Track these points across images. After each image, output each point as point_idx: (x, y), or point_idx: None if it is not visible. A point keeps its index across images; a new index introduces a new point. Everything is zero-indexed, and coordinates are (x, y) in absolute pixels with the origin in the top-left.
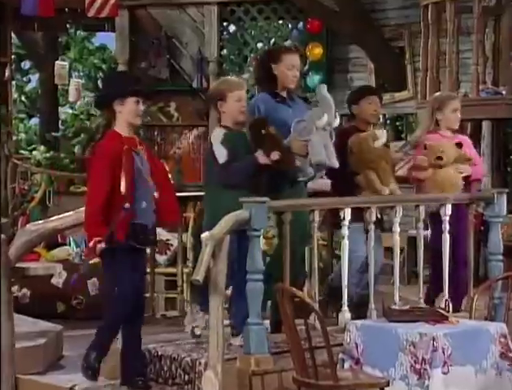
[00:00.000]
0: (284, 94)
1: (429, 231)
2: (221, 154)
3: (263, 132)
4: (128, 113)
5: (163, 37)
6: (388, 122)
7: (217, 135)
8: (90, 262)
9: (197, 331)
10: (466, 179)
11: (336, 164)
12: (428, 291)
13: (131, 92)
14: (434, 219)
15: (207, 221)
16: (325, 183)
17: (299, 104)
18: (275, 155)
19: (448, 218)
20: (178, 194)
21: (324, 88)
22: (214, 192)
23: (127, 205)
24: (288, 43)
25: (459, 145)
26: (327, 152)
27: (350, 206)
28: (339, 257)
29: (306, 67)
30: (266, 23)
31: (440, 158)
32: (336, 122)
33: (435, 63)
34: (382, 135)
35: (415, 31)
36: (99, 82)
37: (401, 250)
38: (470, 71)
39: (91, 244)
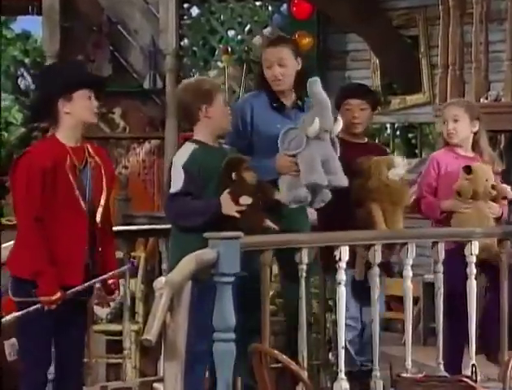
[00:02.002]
0: (289, 101)
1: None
2: (176, 181)
3: (234, 176)
4: (79, 111)
5: (105, 23)
6: (397, 133)
7: (183, 153)
8: (7, 317)
9: None
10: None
11: (345, 182)
12: (452, 353)
13: (79, 83)
14: (453, 259)
15: (172, 265)
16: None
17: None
18: (245, 199)
19: (475, 258)
20: (124, 228)
21: (316, 83)
22: (181, 228)
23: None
24: (267, 31)
25: (467, 169)
26: (328, 167)
27: (348, 244)
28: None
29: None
30: (239, 6)
31: (494, 187)
32: (338, 127)
33: (458, 58)
34: (400, 164)
35: (432, 16)
36: (23, 81)
37: (416, 301)
38: (503, 69)
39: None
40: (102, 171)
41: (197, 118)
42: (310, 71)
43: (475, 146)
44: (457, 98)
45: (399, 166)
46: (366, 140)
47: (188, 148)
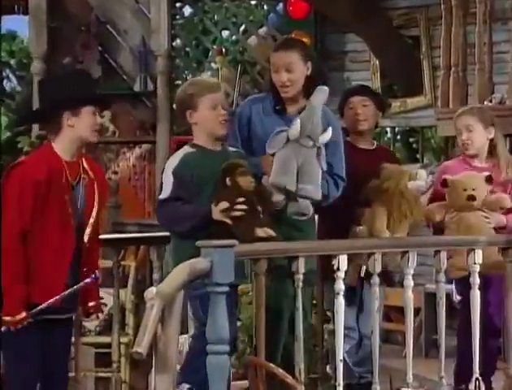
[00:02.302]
0: (296, 107)
1: (455, 293)
2: (166, 186)
3: (228, 182)
4: (83, 127)
5: (94, 23)
6: (398, 137)
7: (174, 158)
8: None
9: None
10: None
11: (317, 195)
12: (458, 368)
13: (90, 99)
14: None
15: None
16: None
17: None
18: (223, 204)
19: (478, 267)
20: (114, 236)
21: (320, 91)
22: (175, 234)
23: None
24: (262, 31)
25: (489, 179)
26: (303, 175)
27: (347, 252)
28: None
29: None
30: (233, 5)
31: (472, 197)
32: (325, 136)
33: (460, 59)
34: (422, 176)
35: (434, 16)
36: (8, 82)
37: (417, 312)
38: (507, 70)
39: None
40: (95, 187)
41: (188, 123)
42: (320, 76)
43: (493, 152)
44: (469, 106)
45: (421, 178)
46: (374, 145)
47: (181, 152)
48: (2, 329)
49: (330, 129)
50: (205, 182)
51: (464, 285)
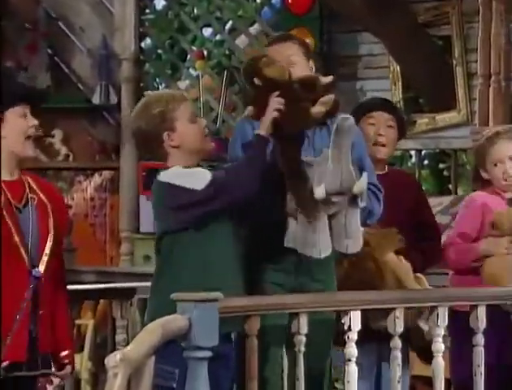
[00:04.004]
0: None
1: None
2: (197, 177)
3: (256, 81)
4: (11, 137)
5: (43, 19)
6: (425, 162)
7: (170, 174)
8: None
9: None
10: None
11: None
12: None
13: (15, 98)
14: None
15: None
16: None
17: (330, 131)
18: (274, 103)
19: None
20: (67, 287)
21: (346, 121)
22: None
23: None
24: (254, 29)
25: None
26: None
27: (361, 308)
28: None
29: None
30: None
31: None
32: (362, 185)
33: (503, 65)
34: None
35: (470, 11)
36: None
37: (449, 383)
38: None
39: None
40: (49, 210)
41: (164, 151)
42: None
43: None
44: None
45: None
46: (386, 169)
47: (169, 171)
48: None
49: (365, 174)
50: None
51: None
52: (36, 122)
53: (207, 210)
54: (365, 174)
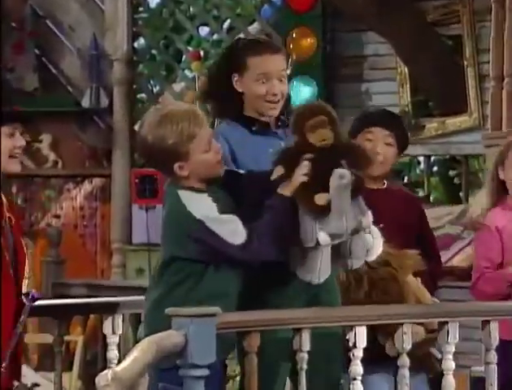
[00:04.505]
0: (268, 118)
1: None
2: (234, 231)
3: (295, 137)
4: None
5: (29, 18)
6: (434, 169)
7: (203, 211)
8: None
9: None
10: None
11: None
12: None
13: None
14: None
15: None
16: None
17: None
18: (304, 168)
19: None
20: (55, 302)
21: (342, 179)
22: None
23: None
24: (253, 28)
25: None
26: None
27: (367, 323)
28: None
29: (288, 72)
30: None
31: None
32: (366, 222)
33: None
34: None
35: (481, 9)
36: None
37: None
38: None
39: None
40: (22, 229)
41: (176, 177)
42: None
43: None
44: None
45: None
46: (385, 183)
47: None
48: None
49: (369, 213)
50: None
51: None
52: (23, 142)
53: (235, 263)
54: (369, 212)
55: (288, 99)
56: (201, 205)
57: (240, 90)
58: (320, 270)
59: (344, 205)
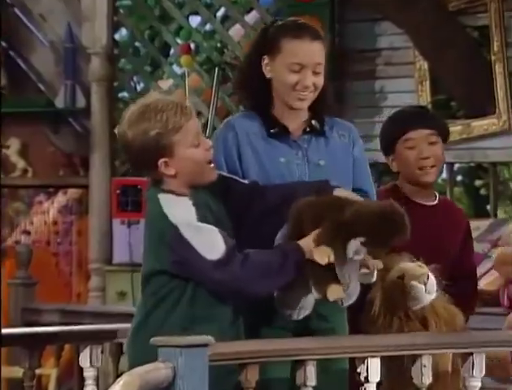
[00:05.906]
0: (295, 123)
1: None
2: (210, 244)
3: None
4: None
5: None
6: (458, 178)
7: (179, 216)
8: None
9: None
10: None
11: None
12: None
13: None
14: None
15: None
16: None
17: (328, 141)
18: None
19: None
20: (25, 330)
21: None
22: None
23: None
24: (251, 18)
25: None
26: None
27: (381, 354)
28: None
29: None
30: None
31: None
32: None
33: None
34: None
35: None
36: None
37: None
38: None
39: None
40: None
41: (160, 175)
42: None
43: None
44: None
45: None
46: (437, 198)
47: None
48: None
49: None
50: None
51: None
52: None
53: (206, 281)
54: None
55: (328, 106)
56: (179, 209)
57: (268, 76)
58: (301, 308)
59: (349, 275)
